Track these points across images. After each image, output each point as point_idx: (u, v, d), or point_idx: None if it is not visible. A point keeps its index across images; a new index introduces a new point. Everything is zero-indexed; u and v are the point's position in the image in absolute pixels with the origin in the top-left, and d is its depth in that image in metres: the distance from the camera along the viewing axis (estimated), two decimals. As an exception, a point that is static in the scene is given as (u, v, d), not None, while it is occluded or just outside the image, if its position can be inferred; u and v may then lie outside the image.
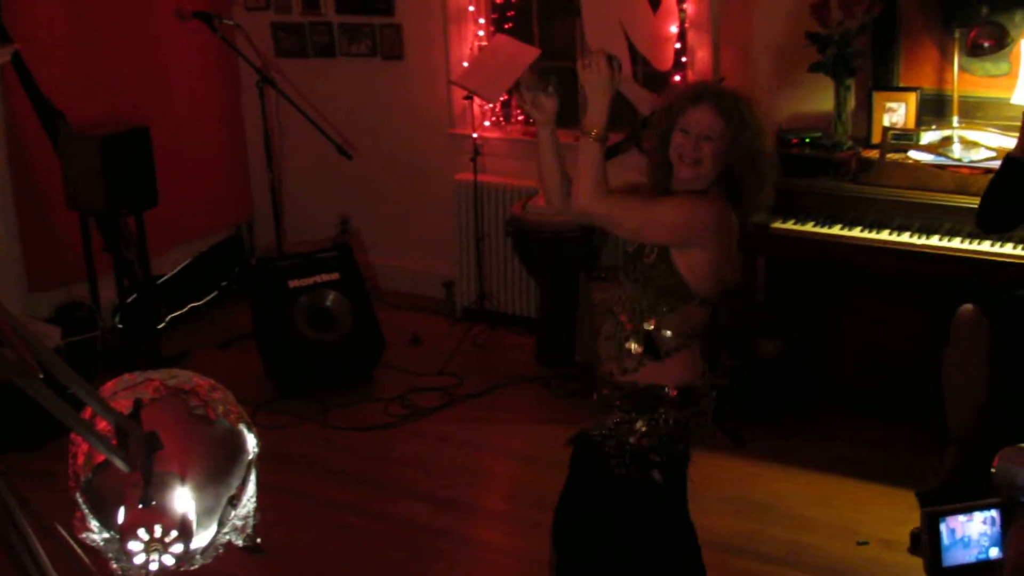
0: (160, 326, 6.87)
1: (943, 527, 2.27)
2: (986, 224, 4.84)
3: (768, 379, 5.86)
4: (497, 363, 6.69)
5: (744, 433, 5.69)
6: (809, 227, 5.49)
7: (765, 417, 5.82)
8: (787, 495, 5.26)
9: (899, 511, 4.98)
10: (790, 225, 5.52)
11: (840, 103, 5.70)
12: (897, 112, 5.70)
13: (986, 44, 5.54)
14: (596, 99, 3.51)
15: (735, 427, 5.71)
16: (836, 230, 5.44)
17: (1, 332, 1.66)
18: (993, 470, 1.81)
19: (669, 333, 3.46)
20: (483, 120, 7.08)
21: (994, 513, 1.97)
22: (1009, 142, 5.35)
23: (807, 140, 5.73)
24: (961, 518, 2.25)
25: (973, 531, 2.30)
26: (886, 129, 5.60)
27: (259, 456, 2.10)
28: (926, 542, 2.27)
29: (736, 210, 3.49)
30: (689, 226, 3.40)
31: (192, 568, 1.98)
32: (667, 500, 3.68)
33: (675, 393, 3.52)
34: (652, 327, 3.47)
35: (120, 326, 6.75)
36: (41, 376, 1.69)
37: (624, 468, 3.56)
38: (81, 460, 1.94)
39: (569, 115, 6.93)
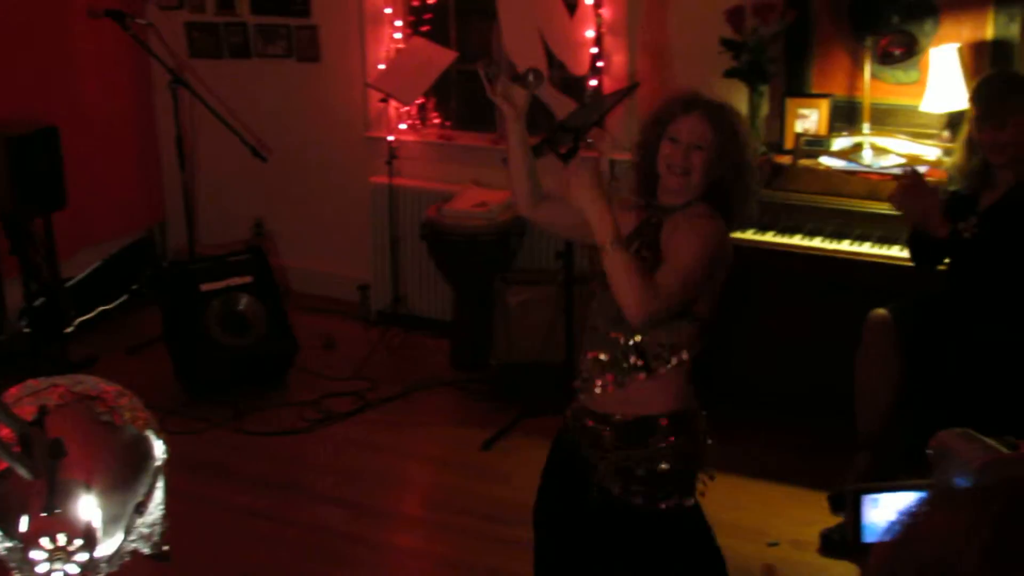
0: (68, 330, 6.75)
1: (866, 504, 2.28)
2: (919, 265, 4.98)
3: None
4: (412, 367, 6.67)
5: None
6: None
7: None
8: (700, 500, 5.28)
9: (810, 512, 5.03)
10: (704, 230, 5.55)
11: (754, 109, 5.75)
12: (809, 118, 5.77)
13: (896, 52, 5.62)
14: (594, 210, 3.18)
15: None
16: (749, 235, 5.48)
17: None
18: (929, 451, 1.82)
19: (660, 345, 3.37)
20: (399, 123, 7.05)
21: (923, 495, 1.98)
22: (919, 149, 5.44)
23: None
24: (886, 496, 2.26)
25: (897, 509, 2.32)
26: (798, 135, 5.68)
27: (169, 462, 2.07)
28: (848, 518, 2.29)
29: (744, 215, 3.50)
30: (715, 258, 3.33)
31: (96, 577, 1.94)
32: (679, 527, 3.59)
33: (665, 423, 3.43)
34: (640, 339, 3.37)
35: (27, 330, 6.63)
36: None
37: (637, 496, 3.46)
38: (-18, 467, 1.89)
39: (484, 117, 6.97)
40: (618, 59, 6.34)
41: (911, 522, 1.15)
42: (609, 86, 6.32)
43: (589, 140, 6.18)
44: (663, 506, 3.47)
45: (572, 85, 6.47)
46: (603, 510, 3.48)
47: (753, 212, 3.52)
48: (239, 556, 4.96)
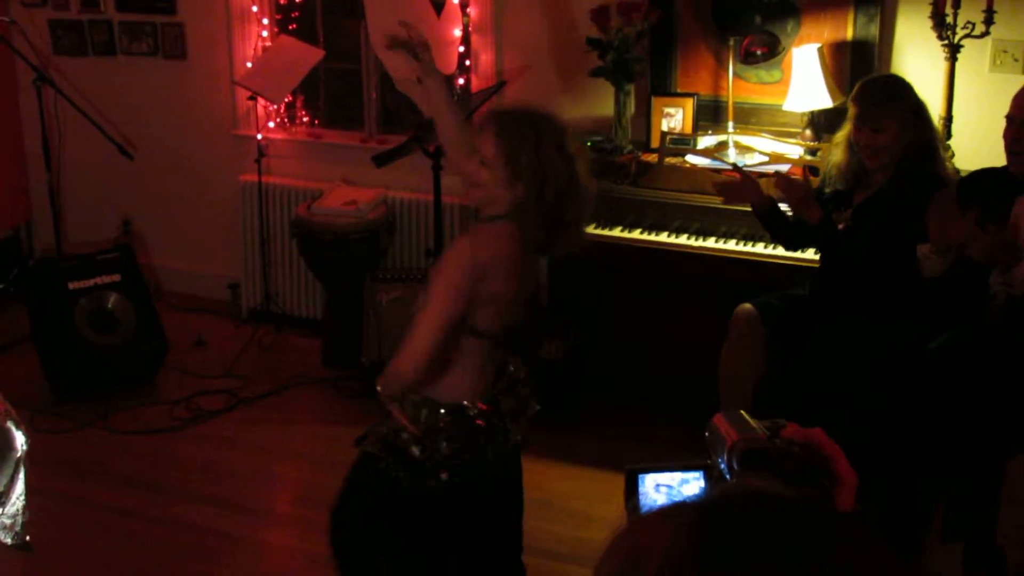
0: (-68, 329, 6.65)
1: (643, 482, 2.34)
2: (789, 249, 5.19)
3: (551, 379, 5.92)
4: (283, 365, 6.66)
5: (527, 432, 5.76)
6: (590, 229, 5.56)
7: (548, 417, 5.87)
8: (569, 493, 5.34)
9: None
10: (572, 226, 5.61)
11: (620, 108, 5.83)
12: (675, 117, 5.86)
13: (759, 52, 5.75)
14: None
15: (519, 426, 5.78)
16: (617, 232, 5.57)
17: None
18: (706, 433, 1.88)
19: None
20: (268, 121, 7.03)
21: (697, 474, 2.04)
22: (781, 147, 5.57)
23: (588, 144, 5.84)
24: (663, 476, 2.32)
25: (675, 489, 2.39)
26: (664, 134, 5.75)
27: (37, 461, 2.07)
28: (626, 497, 2.34)
29: (543, 238, 3.46)
30: (459, 284, 3.37)
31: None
32: (449, 507, 3.67)
33: (444, 411, 3.55)
34: None
35: None
36: None
37: (402, 476, 3.59)
38: None
39: (352, 116, 6.98)
40: (485, 58, 6.40)
41: (619, 534, 1.20)
42: (477, 85, 6.38)
43: (458, 138, 6.22)
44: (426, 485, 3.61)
45: (441, 84, 6.51)
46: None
47: (581, 236, 3.59)
48: (108, 554, 4.92)
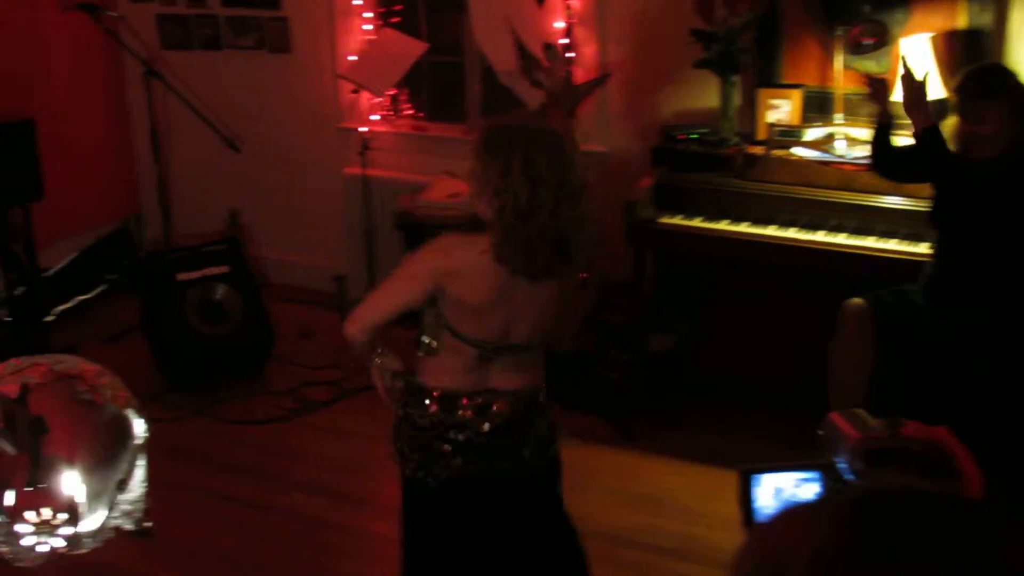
0: (48, 319, 6.77)
1: (757, 484, 2.30)
2: (881, 174, 5.13)
3: (657, 373, 5.92)
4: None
5: (633, 427, 5.75)
6: (697, 222, 5.55)
7: (654, 411, 5.87)
8: (677, 488, 5.31)
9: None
10: (678, 220, 5.58)
11: (726, 100, 5.77)
12: (781, 109, 5.79)
13: (867, 42, 5.65)
14: None
15: (624, 420, 5.76)
16: (723, 225, 5.51)
17: None
18: (820, 432, 1.85)
19: (424, 338, 3.56)
20: (371, 114, 7.07)
21: (814, 474, 2.00)
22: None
23: (693, 136, 5.81)
24: (777, 476, 2.28)
25: (789, 489, 2.34)
26: (771, 126, 5.69)
27: (149, 449, 2.10)
28: (741, 499, 2.30)
29: (516, 260, 3.39)
30: (418, 274, 3.47)
31: (81, 552, 1.97)
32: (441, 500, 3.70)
33: (436, 394, 3.57)
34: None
35: (7, 319, 6.64)
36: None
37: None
38: (-33, 444, 1.92)
39: (456, 108, 6.99)
40: (588, 50, 6.37)
41: (758, 530, 1.18)
42: (580, 77, 6.35)
43: (562, 131, 6.20)
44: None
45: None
46: None
47: (587, 256, 3.60)
48: (218, 542, 4.98)
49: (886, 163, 5.06)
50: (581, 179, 3.41)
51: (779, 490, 2.27)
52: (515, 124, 3.46)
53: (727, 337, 5.96)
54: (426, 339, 3.54)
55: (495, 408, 3.57)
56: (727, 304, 5.97)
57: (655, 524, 5.06)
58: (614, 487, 5.34)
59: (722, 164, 5.67)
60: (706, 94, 5.96)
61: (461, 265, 3.41)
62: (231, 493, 5.35)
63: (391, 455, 3.72)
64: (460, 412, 3.55)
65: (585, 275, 6.07)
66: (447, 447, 3.56)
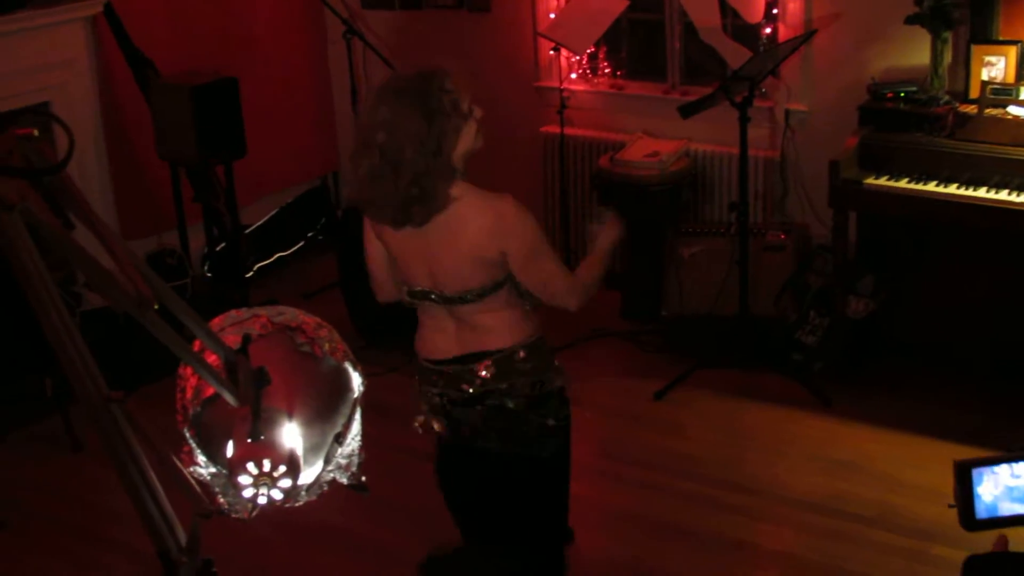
0: (248, 275, 6.92)
1: (977, 478, 2.20)
2: None
3: (857, 337, 5.79)
4: (582, 317, 6.60)
5: (832, 392, 5.63)
6: (903, 183, 5.38)
7: (854, 376, 5.75)
8: (876, 455, 5.20)
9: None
10: (883, 181, 5.42)
11: (937, 56, 5.58)
12: (996, 66, 5.57)
13: (1090, -5, 5.40)
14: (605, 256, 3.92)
15: (822, 386, 5.65)
16: (931, 187, 5.33)
17: (119, 263, 1.67)
18: None
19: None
20: (570, 73, 7.02)
21: None
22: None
23: (902, 94, 5.64)
24: (997, 469, 2.17)
25: (1009, 483, 2.23)
26: (984, 83, 5.48)
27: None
28: (958, 494, 2.20)
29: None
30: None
31: (297, 504, 1.98)
32: None
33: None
34: None
35: (209, 274, 6.82)
36: (156, 307, 1.68)
37: None
38: (189, 394, 1.94)
39: (655, 66, 6.90)
40: (793, 6, 6.21)
41: None
42: (784, 34, 6.20)
43: (763, 89, 6.08)
44: None
45: (746, 33, 6.37)
46: None
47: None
48: (419, 499, 5.02)
49: None
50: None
51: (1002, 484, 2.17)
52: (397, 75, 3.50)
53: (931, 302, 5.79)
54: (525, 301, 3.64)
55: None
56: (931, 267, 5.80)
57: (854, 492, 4.96)
58: (812, 453, 5.25)
59: (931, 123, 5.49)
60: (916, 51, 5.76)
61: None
62: (428, 450, 5.38)
63: None
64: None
65: (782, 236, 5.98)
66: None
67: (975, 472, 2.16)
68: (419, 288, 3.58)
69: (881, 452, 5.22)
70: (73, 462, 5.51)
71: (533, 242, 3.47)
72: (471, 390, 3.59)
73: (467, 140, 3.45)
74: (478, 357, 3.55)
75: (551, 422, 3.66)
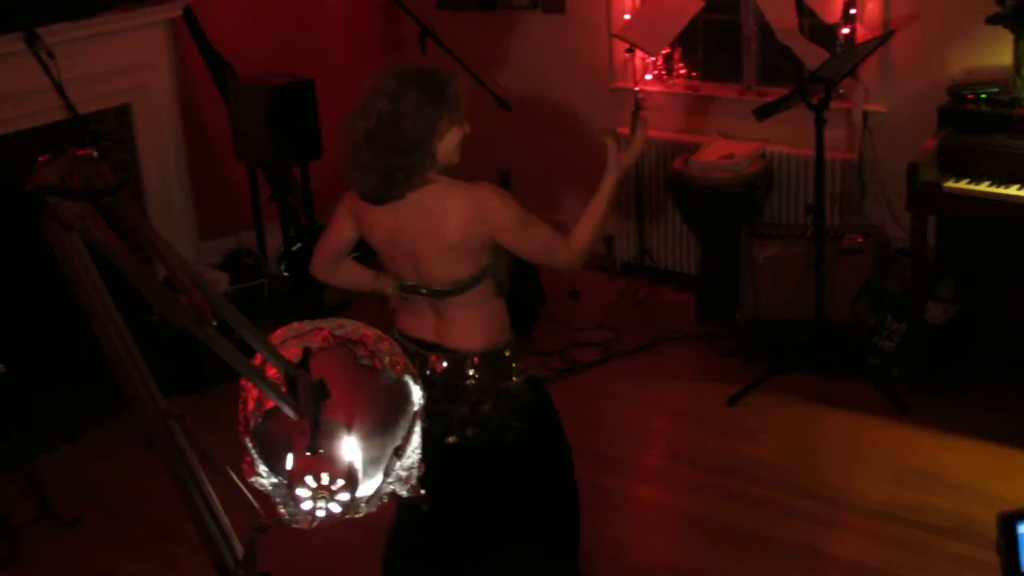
0: (324, 274, 6.96)
1: (1021, 530, 2.14)
2: None
3: (937, 343, 5.71)
4: (656, 319, 6.63)
5: (909, 399, 5.56)
6: (984, 187, 5.29)
7: (932, 382, 5.66)
8: (953, 464, 5.11)
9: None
10: (963, 185, 5.33)
11: (1019, 57, 5.49)
12: (1081, 67, 5.47)
13: None
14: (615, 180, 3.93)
15: (900, 392, 5.58)
16: (1013, 190, 5.23)
17: (176, 279, 1.68)
18: None
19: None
20: (645, 74, 6.99)
21: None
22: None
23: (983, 96, 5.55)
24: None
25: None
26: (1069, 85, 5.39)
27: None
28: (1002, 546, 2.14)
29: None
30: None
31: (356, 517, 1.99)
32: None
33: None
34: None
35: (286, 274, 6.87)
36: (214, 323, 1.70)
37: None
38: (251, 406, 1.95)
39: (731, 67, 6.85)
40: (872, 6, 6.14)
41: None
42: (862, 34, 6.13)
43: (841, 91, 6.01)
44: None
45: (824, 34, 6.30)
46: None
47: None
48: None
49: None
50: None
51: None
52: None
53: (1013, 308, 5.69)
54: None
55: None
56: (1014, 273, 5.70)
57: (929, 501, 4.88)
58: (886, 461, 5.18)
59: (1012, 125, 5.40)
60: (998, 51, 5.67)
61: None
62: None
63: None
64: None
65: (860, 239, 5.91)
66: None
67: (1020, 525, 2.11)
68: (410, 283, 3.67)
69: (960, 461, 5.13)
70: (146, 459, 5.56)
71: (518, 215, 3.58)
72: (428, 372, 3.70)
73: (452, 140, 3.56)
74: (445, 351, 3.70)
75: (524, 399, 3.87)
